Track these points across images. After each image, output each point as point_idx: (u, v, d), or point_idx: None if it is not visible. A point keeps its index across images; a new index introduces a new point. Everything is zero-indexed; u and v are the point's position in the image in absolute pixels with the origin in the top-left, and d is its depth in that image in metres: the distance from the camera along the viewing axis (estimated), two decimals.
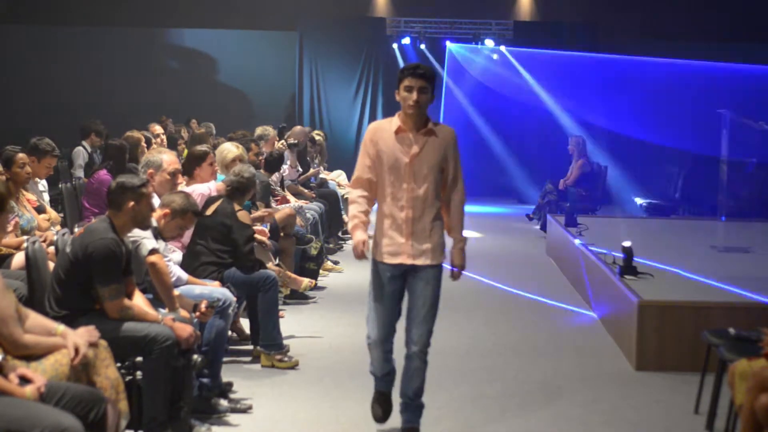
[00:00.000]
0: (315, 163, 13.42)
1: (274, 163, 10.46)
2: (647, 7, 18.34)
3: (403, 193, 5.34)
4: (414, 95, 5.27)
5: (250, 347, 7.40)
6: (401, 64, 18.43)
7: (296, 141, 12.35)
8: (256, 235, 7.64)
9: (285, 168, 11.47)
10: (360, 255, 5.24)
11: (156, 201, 6.36)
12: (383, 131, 5.39)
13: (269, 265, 7.70)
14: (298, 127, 13.60)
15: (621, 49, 18.39)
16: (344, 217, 12.93)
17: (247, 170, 7.31)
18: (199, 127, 14.02)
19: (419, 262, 5.36)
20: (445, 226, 5.47)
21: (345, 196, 13.04)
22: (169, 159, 6.81)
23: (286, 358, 7.07)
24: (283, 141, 12.19)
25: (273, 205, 10.04)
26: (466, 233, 5.52)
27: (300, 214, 10.40)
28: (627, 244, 8.24)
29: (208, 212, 7.12)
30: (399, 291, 5.43)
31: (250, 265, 7.00)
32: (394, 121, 5.40)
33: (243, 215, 7.13)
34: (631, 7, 18.41)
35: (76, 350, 4.50)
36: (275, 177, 10.73)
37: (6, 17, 18.18)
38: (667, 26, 18.40)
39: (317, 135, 13.91)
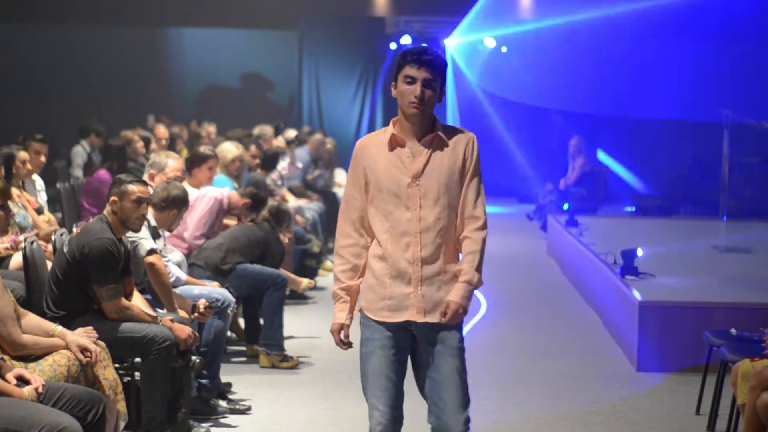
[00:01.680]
0: (322, 167, 13.38)
1: (269, 161, 10.41)
2: (648, 6, 18.31)
3: (406, 225, 3.93)
4: (417, 89, 3.89)
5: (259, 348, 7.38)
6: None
7: (293, 138, 12.29)
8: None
9: (284, 165, 11.43)
10: (338, 343, 4.02)
11: None
12: (373, 146, 4.01)
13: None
14: (317, 136, 13.59)
15: (622, 49, 18.36)
16: None
17: (283, 204, 7.83)
18: (198, 128, 13.99)
19: (433, 318, 3.94)
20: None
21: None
22: (174, 165, 6.82)
23: (287, 359, 7.05)
24: (280, 137, 12.16)
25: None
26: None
27: (300, 214, 10.37)
28: (640, 252, 8.22)
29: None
30: (404, 358, 4.02)
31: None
32: (387, 131, 4.03)
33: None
34: (633, 6, 18.36)
35: (84, 350, 4.48)
36: (274, 175, 10.70)
37: (6, 17, 18.16)
38: (669, 25, 18.36)
39: (329, 143, 13.88)
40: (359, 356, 3.99)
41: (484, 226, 3.99)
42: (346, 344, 4.00)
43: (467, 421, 3.94)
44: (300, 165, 12.08)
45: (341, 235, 4.04)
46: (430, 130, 3.98)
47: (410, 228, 3.93)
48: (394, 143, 3.98)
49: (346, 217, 4.05)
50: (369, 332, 3.98)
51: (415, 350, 4.01)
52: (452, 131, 4.01)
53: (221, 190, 7.59)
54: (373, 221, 3.99)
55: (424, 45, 4.08)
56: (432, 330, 3.95)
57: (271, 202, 7.69)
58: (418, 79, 3.89)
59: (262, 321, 7.34)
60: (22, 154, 7.39)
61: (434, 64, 3.91)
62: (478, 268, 3.97)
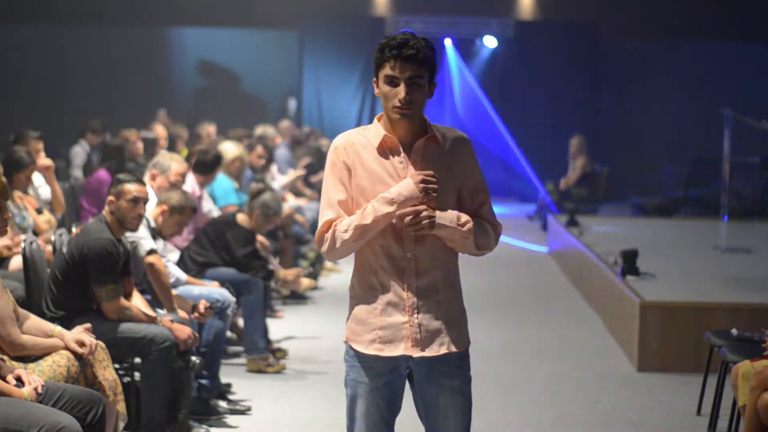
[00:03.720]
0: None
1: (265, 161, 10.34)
2: (647, 5, 18.31)
3: (399, 242, 3.36)
4: (401, 91, 3.31)
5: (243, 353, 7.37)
6: None
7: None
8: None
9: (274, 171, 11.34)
10: (421, 187, 3.31)
11: (152, 202, 6.34)
12: (358, 147, 3.40)
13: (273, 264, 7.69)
14: (284, 123, 13.52)
15: (621, 49, 18.37)
16: None
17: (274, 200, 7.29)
18: (198, 128, 13.97)
19: (431, 352, 3.38)
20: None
21: None
22: (176, 168, 6.83)
23: (272, 362, 6.99)
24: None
25: None
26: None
27: (299, 213, 10.36)
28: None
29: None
30: (397, 400, 3.46)
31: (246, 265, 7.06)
32: (374, 130, 3.42)
33: (242, 218, 7.14)
34: (631, 6, 18.37)
35: (81, 343, 4.48)
36: (274, 174, 10.68)
37: (5, 16, 18.16)
38: (668, 24, 18.36)
39: (324, 141, 13.83)
40: (346, 397, 3.46)
41: (498, 232, 3.49)
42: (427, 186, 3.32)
43: None
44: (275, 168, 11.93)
45: (319, 234, 3.40)
46: (422, 131, 3.41)
47: (403, 245, 3.36)
48: (384, 146, 3.39)
49: (330, 217, 3.39)
50: (356, 374, 3.41)
51: (413, 386, 3.46)
52: (445, 132, 3.45)
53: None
54: None
55: (406, 34, 3.32)
56: (432, 364, 3.39)
57: (269, 200, 7.48)
58: (401, 79, 3.30)
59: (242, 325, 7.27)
60: (31, 168, 7.35)
61: (419, 58, 3.30)
62: (476, 225, 3.39)
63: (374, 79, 3.38)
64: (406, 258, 3.37)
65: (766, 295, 7.69)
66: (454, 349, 3.41)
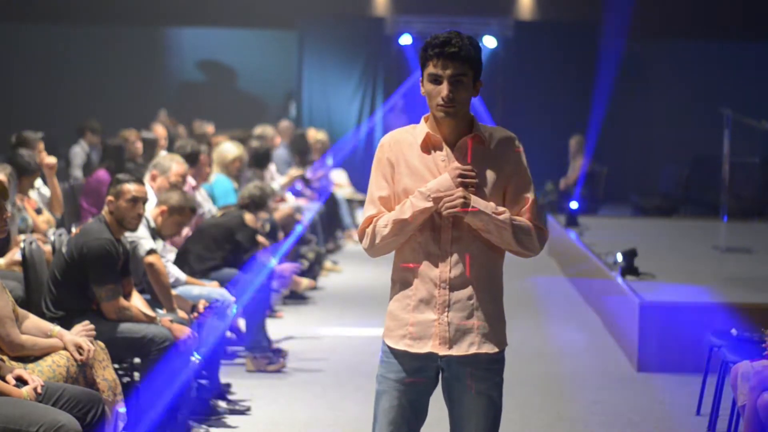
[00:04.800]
0: (324, 164, 13.34)
1: (261, 158, 10.33)
2: (647, 5, 18.31)
3: (437, 240, 3.37)
4: (444, 89, 3.31)
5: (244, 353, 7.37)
6: (406, 61, 18.43)
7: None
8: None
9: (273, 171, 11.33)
10: (458, 181, 3.31)
11: (152, 202, 6.34)
12: (404, 145, 3.41)
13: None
14: (284, 123, 13.51)
15: (621, 49, 18.35)
16: (343, 218, 12.89)
17: (266, 185, 7.50)
18: (200, 128, 13.98)
19: (460, 351, 3.37)
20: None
21: (345, 198, 13.00)
22: (176, 170, 6.83)
23: (273, 362, 7.00)
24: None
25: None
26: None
27: (299, 213, 10.36)
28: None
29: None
30: (422, 402, 3.46)
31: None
32: (420, 130, 3.43)
33: (249, 218, 7.23)
34: (631, 6, 18.36)
35: (80, 349, 4.48)
36: (269, 175, 10.67)
37: (5, 16, 18.15)
38: (669, 25, 18.36)
39: (320, 135, 13.82)
40: (375, 393, 3.48)
41: (544, 236, 3.42)
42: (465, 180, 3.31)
43: None
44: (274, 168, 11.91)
45: (366, 224, 3.40)
46: (467, 130, 3.39)
47: (441, 244, 3.36)
48: (428, 144, 3.39)
49: (365, 217, 3.42)
50: (385, 369, 3.43)
51: (443, 385, 3.44)
52: (493, 132, 3.43)
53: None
54: None
55: (448, 33, 3.31)
56: (460, 363, 3.38)
57: (253, 187, 7.59)
58: (444, 77, 3.30)
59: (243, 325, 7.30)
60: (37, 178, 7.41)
61: (462, 56, 3.29)
62: (516, 222, 3.34)
63: (420, 78, 3.39)
64: (443, 256, 3.36)
65: (766, 295, 7.69)
66: (485, 350, 3.38)
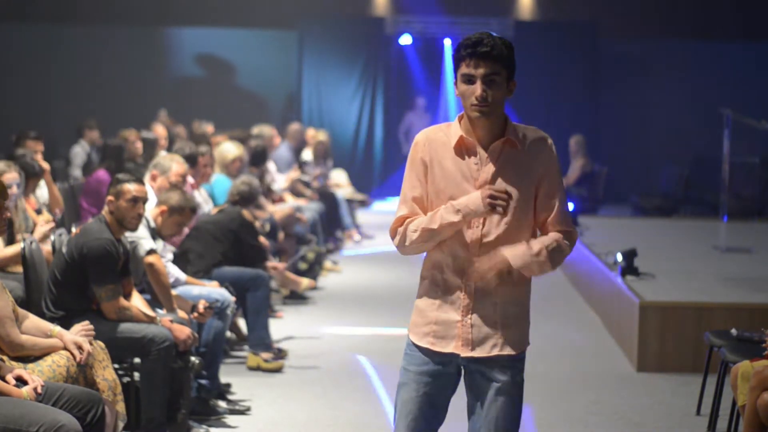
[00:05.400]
0: (323, 164, 13.33)
1: (256, 157, 10.34)
2: (647, 5, 18.31)
3: (466, 243, 3.39)
4: (477, 89, 3.32)
5: (246, 349, 7.37)
6: (407, 61, 18.43)
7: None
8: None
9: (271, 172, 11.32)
10: (487, 202, 3.31)
11: (152, 202, 6.34)
12: (437, 144, 3.42)
13: (270, 263, 7.70)
14: (294, 126, 13.52)
15: (621, 49, 18.36)
16: (343, 218, 12.89)
17: (253, 179, 7.57)
18: (199, 128, 13.98)
19: (482, 353, 3.42)
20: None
21: (345, 198, 13.00)
22: (177, 169, 6.83)
23: (272, 359, 7.01)
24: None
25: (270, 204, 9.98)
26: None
27: (299, 213, 10.36)
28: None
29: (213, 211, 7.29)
30: (442, 397, 3.49)
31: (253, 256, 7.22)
32: (454, 129, 3.43)
33: (246, 213, 7.33)
34: (631, 6, 18.37)
35: (80, 348, 4.48)
36: (275, 176, 10.68)
37: (5, 16, 18.15)
38: (669, 25, 18.36)
39: (321, 135, 13.82)
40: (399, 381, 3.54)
41: (574, 238, 3.47)
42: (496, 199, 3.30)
43: None
44: (274, 168, 11.89)
45: (395, 226, 3.44)
46: (501, 132, 3.40)
47: (469, 246, 3.38)
48: (461, 146, 3.40)
49: (405, 214, 3.44)
50: (407, 361, 3.49)
51: (467, 390, 3.49)
52: (526, 133, 3.43)
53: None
54: None
55: (481, 33, 3.35)
56: (481, 363, 3.42)
57: (240, 183, 7.64)
58: (477, 77, 3.32)
59: (244, 323, 7.31)
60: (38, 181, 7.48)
61: (494, 55, 3.30)
62: (551, 249, 3.37)
63: (454, 80, 3.41)
64: (470, 260, 3.40)
65: (766, 295, 7.68)
66: (507, 351, 3.44)
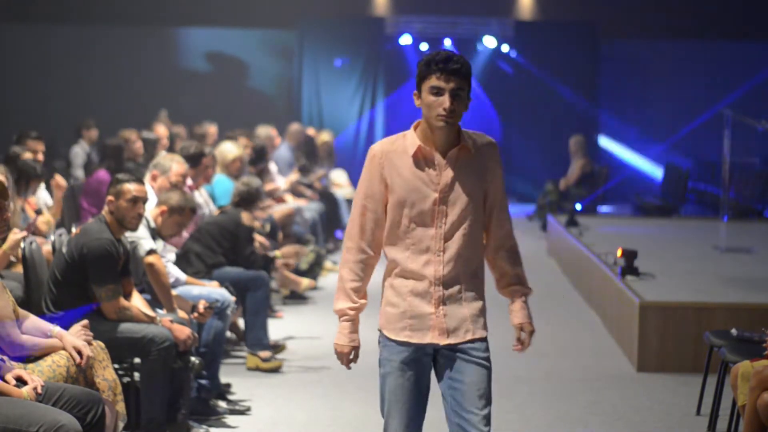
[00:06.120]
0: (323, 165, 13.32)
1: (256, 157, 10.31)
2: (647, 5, 18.31)
3: (428, 242, 3.71)
4: (446, 101, 3.62)
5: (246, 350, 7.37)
6: (406, 61, 18.42)
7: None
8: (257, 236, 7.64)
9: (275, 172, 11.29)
10: (347, 364, 3.82)
11: (152, 202, 6.34)
12: (395, 156, 3.71)
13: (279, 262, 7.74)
14: (294, 126, 13.50)
15: (621, 49, 18.36)
16: (343, 218, 12.88)
17: (255, 180, 7.53)
18: (200, 128, 13.98)
19: (457, 339, 3.76)
20: (495, 278, 3.96)
21: (345, 197, 13.00)
22: (177, 169, 6.83)
23: (270, 359, 7.00)
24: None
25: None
26: None
27: (299, 215, 10.36)
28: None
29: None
30: (425, 381, 3.81)
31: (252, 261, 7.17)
32: (410, 139, 3.72)
33: (246, 216, 7.26)
34: (633, 6, 18.37)
35: (80, 352, 4.47)
36: (275, 177, 10.66)
37: (5, 16, 18.15)
38: (669, 25, 18.36)
39: (325, 136, 13.79)
40: (379, 377, 3.79)
41: (514, 237, 3.93)
42: (352, 362, 3.82)
43: None
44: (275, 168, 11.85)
45: (354, 249, 3.77)
46: (456, 139, 3.71)
47: (432, 245, 3.71)
48: (419, 155, 3.70)
49: (359, 229, 3.76)
50: (387, 353, 3.76)
51: (439, 374, 3.78)
52: (476, 138, 3.76)
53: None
54: (392, 236, 3.73)
55: (448, 51, 3.69)
56: (458, 350, 3.75)
57: (240, 184, 7.62)
58: (446, 90, 3.62)
59: (242, 322, 7.30)
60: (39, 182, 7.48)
61: (462, 72, 3.64)
62: (526, 281, 3.99)
63: (415, 91, 3.69)
64: (435, 255, 3.72)
65: (766, 295, 7.68)
66: (478, 335, 3.79)
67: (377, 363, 3.77)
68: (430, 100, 3.64)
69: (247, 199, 7.46)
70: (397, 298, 3.75)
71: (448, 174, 3.69)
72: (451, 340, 3.74)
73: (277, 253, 7.65)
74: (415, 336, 3.72)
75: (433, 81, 3.63)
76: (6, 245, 6.02)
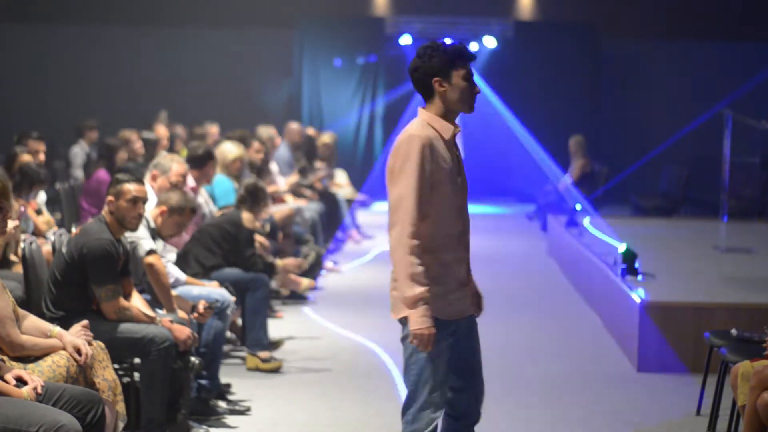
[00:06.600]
0: (327, 166, 13.31)
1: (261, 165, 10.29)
2: (647, 6, 18.31)
3: (465, 225, 4.06)
4: (477, 87, 3.99)
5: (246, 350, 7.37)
6: (406, 61, 18.40)
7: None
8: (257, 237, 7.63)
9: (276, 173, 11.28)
10: (431, 346, 3.93)
11: (152, 202, 6.34)
12: (435, 141, 3.93)
13: (279, 262, 7.73)
14: (293, 125, 13.49)
15: (621, 49, 18.36)
16: (344, 219, 12.88)
17: (256, 181, 7.53)
18: (200, 128, 13.98)
19: (478, 311, 4.24)
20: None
21: (345, 198, 13.00)
22: (177, 169, 6.83)
23: (269, 360, 7.00)
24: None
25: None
26: None
27: (299, 215, 10.35)
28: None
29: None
30: (471, 343, 4.21)
31: (252, 263, 7.15)
32: (438, 124, 3.96)
33: (247, 218, 7.23)
34: (633, 7, 18.38)
35: (79, 351, 4.47)
36: (274, 176, 10.66)
37: (5, 16, 18.16)
38: (670, 25, 18.36)
39: (326, 137, 13.78)
40: (423, 358, 3.95)
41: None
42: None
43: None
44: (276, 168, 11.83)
45: (412, 234, 3.84)
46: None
47: (463, 234, 4.04)
48: (451, 139, 3.99)
49: (415, 214, 3.85)
50: (440, 334, 3.93)
51: (455, 344, 4.07)
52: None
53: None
54: (444, 221, 3.94)
55: (460, 42, 4.05)
56: (471, 321, 4.17)
57: (248, 180, 7.61)
58: (472, 78, 3.96)
59: (240, 322, 7.31)
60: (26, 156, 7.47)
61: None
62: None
63: (436, 78, 3.91)
64: (465, 243, 4.06)
65: (766, 295, 7.68)
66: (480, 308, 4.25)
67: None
68: (463, 85, 3.92)
69: (254, 197, 7.41)
70: (444, 284, 3.98)
71: (456, 154, 4.00)
72: (476, 312, 4.21)
73: (279, 262, 7.64)
74: (463, 313, 4.10)
75: (468, 69, 3.92)
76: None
